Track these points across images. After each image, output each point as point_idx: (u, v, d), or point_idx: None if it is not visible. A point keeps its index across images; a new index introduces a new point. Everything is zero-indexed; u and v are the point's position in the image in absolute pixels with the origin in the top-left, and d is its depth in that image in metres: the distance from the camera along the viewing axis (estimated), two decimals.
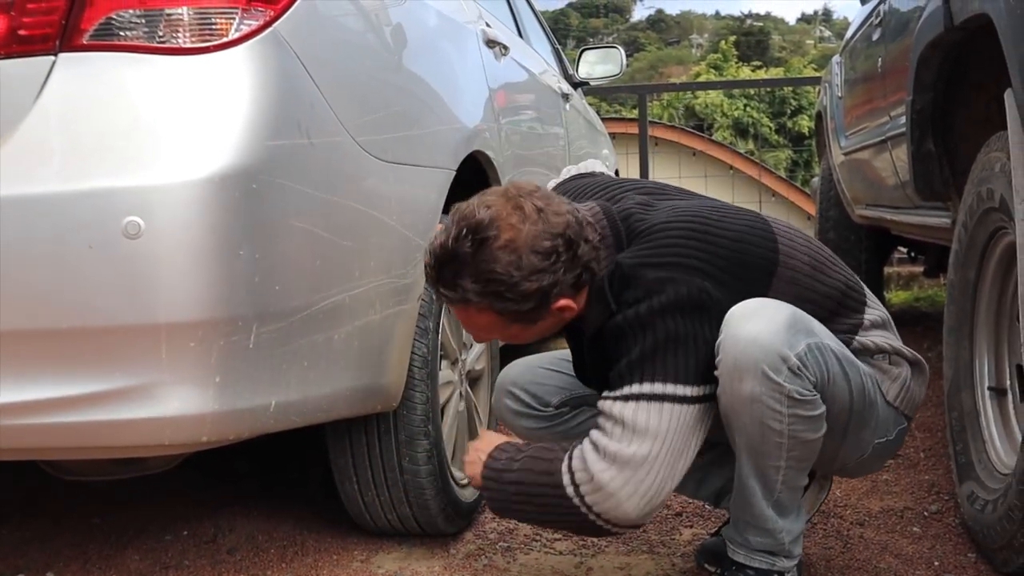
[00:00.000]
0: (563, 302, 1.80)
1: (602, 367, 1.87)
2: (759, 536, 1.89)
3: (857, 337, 1.91)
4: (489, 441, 1.94)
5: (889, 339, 1.95)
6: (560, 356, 2.19)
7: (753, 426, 1.77)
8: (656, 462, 1.74)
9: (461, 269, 1.74)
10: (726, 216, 1.88)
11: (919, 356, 1.99)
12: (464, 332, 2.52)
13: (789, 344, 1.73)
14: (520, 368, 2.19)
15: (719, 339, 1.75)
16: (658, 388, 1.74)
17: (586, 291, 1.83)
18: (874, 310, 1.97)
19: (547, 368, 2.17)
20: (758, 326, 1.73)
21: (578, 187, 2.06)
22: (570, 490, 1.76)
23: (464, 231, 1.72)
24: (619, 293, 1.80)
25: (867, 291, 2.00)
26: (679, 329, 1.75)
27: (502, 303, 1.76)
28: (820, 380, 1.77)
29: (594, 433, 1.78)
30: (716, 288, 1.77)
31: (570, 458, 1.78)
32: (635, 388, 1.75)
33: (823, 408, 1.78)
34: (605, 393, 1.80)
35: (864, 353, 1.91)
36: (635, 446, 1.73)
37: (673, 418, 1.74)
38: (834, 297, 1.91)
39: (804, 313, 1.81)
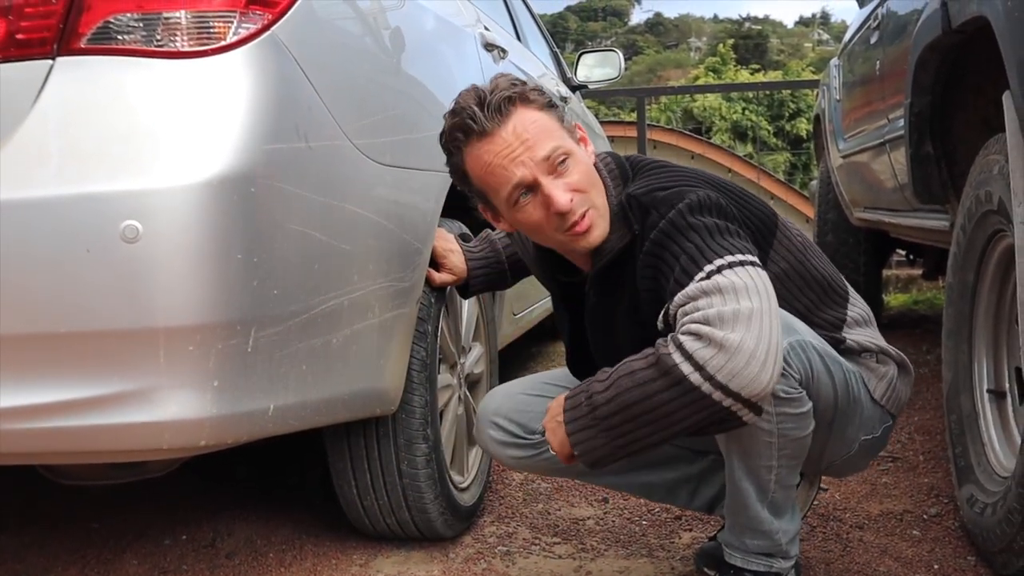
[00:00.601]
0: (582, 130, 1.92)
1: (607, 306, 1.87)
2: (755, 538, 1.89)
3: (844, 334, 1.93)
4: (556, 405, 1.78)
5: (874, 338, 1.97)
6: (542, 380, 2.15)
7: (742, 428, 1.77)
8: (766, 315, 1.61)
9: (496, 85, 1.82)
10: (734, 187, 1.93)
11: (904, 356, 2.01)
12: (463, 335, 2.51)
13: None
14: (501, 397, 2.13)
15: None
16: (735, 258, 1.66)
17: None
18: (856, 307, 1.99)
19: (529, 394, 2.10)
20: None
21: None
22: (694, 377, 1.58)
23: (469, 88, 1.85)
24: (642, 218, 1.79)
25: (850, 288, 2.01)
26: (716, 222, 1.72)
27: (537, 96, 1.83)
28: (804, 377, 1.77)
29: (690, 320, 1.61)
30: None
31: (677, 346, 1.60)
32: (711, 266, 1.65)
33: (810, 405, 1.79)
34: (680, 294, 1.66)
35: (851, 352, 1.93)
36: (745, 301, 1.60)
37: (759, 276, 1.65)
38: (821, 282, 1.93)
39: (785, 312, 1.81)
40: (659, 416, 1.62)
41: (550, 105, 1.85)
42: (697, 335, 1.59)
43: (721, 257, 1.65)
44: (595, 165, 1.88)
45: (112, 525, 2.55)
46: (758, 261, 1.68)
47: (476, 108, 1.79)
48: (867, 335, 1.96)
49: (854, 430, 1.93)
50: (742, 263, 1.65)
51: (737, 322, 1.58)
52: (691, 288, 1.64)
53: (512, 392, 2.13)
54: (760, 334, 1.58)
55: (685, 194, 1.76)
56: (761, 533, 1.88)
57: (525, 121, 1.80)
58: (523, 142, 1.79)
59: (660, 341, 1.64)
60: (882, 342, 1.97)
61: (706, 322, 1.59)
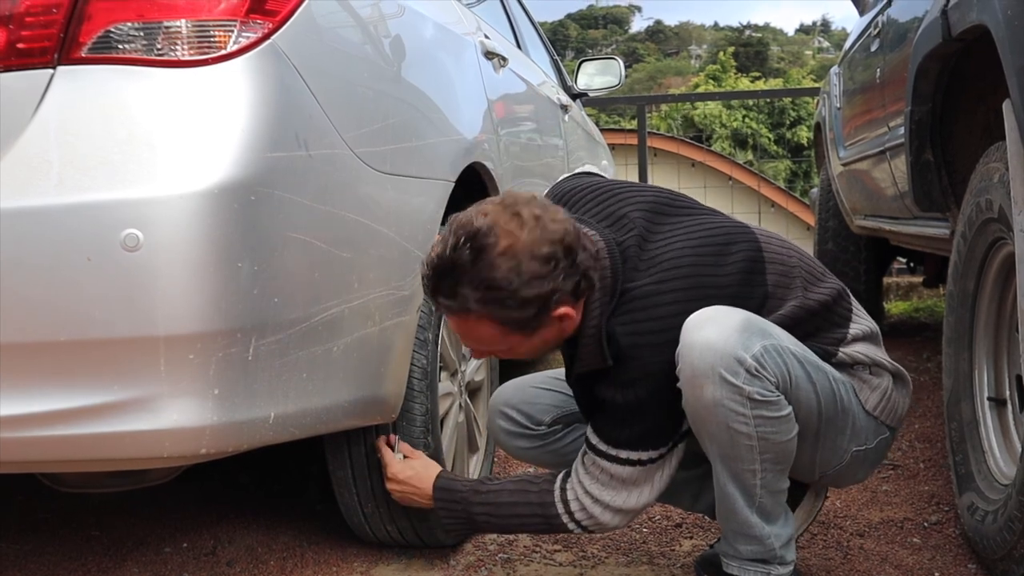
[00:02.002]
0: (563, 310, 1.79)
1: (589, 401, 1.94)
2: (748, 544, 1.90)
3: (840, 348, 1.93)
4: (412, 480, 2.09)
5: (870, 351, 1.95)
6: (552, 375, 2.20)
7: (721, 431, 1.79)
8: (650, 501, 1.96)
9: (461, 277, 1.73)
10: (721, 262, 1.87)
11: (901, 368, 2.00)
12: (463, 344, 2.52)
13: (744, 346, 1.75)
14: (512, 389, 2.21)
15: (677, 349, 1.78)
16: (649, 454, 1.90)
17: (583, 303, 1.84)
18: (859, 323, 1.97)
19: (538, 387, 2.19)
20: (711, 332, 1.75)
21: (575, 190, 2.03)
22: (570, 525, 1.98)
23: (462, 239, 1.72)
24: (615, 358, 1.84)
25: (855, 303, 2.00)
26: (667, 408, 1.84)
27: (503, 311, 1.76)
28: (781, 381, 1.78)
29: (592, 485, 1.94)
30: None
31: (567, 505, 1.97)
32: (630, 455, 1.90)
33: (789, 409, 1.80)
34: (597, 442, 1.92)
35: (843, 365, 1.93)
36: (635, 498, 1.93)
37: (664, 468, 1.93)
38: (821, 311, 1.92)
39: (760, 318, 1.83)
40: (520, 526, 2.08)
41: (506, 321, 1.79)
42: (583, 508, 1.95)
43: (642, 451, 1.89)
44: (583, 302, 1.83)
45: (113, 533, 2.55)
46: (672, 447, 1.91)
47: (428, 293, 1.84)
48: (863, 349, 1.95)
49: (844, 440, 1.93)
50: (651, 461, 1.90)
51: (619, 513, 1.95)
52: (598, 458, 1.92)
53: (522, 385, 2.21)
54: (621, 519, 1.97)
55: (658, 373, 1.82)
56: (753, 538, 1.89)
57: (464, 326, 1.85)
58: (463, 335, 1.92)
59: (554, 495, 1.98)
60: (877, 354, 1.96)
61: (595, 502, 1.94)
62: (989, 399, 2.33)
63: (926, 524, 2.50)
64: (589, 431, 1.94)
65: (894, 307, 6.21)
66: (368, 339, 1.95)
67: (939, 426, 3.28)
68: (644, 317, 1.83)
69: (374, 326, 1.96)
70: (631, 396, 1.84)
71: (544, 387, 2.18)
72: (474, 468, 2.59)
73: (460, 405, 2.50)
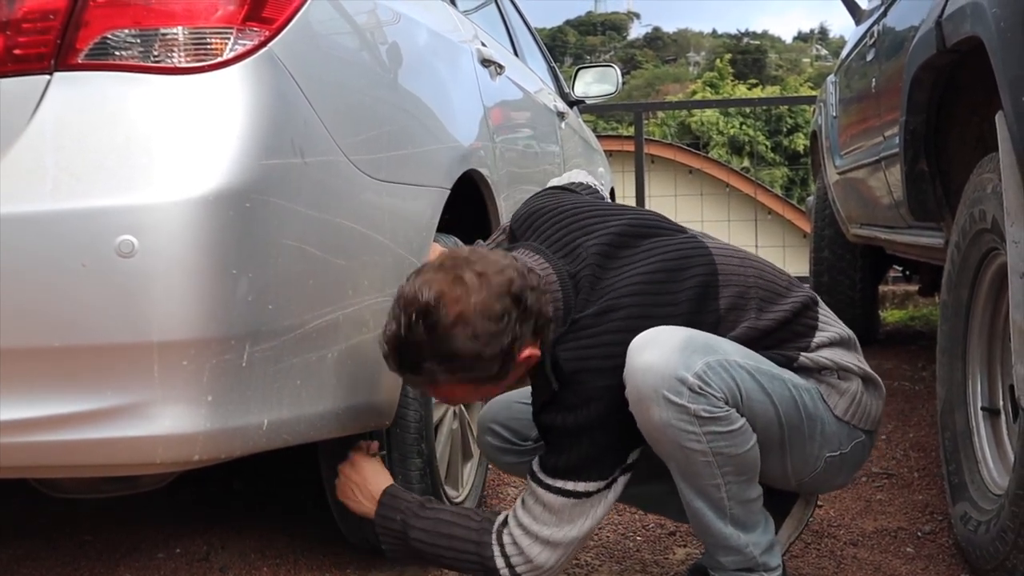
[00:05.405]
0: (526, 352, 1.83)
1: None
2: (728, 555, 1.90)
3: (803, 355, 1.92)
4: (367, 476, 2.05)
5: (836, 356, 1.94)
6: None
7: (675, 451, 1.80)
8: (584, 535, 1.91)
9: (422, 354, 1.78)
10: (672, 288, 1.88)
11: (871, 371, 1.99)
12: None
13: (685, 365, 1.75)
14: (499, 405, 2.22)
15: (623, 373, 1.80)
16: (589, 487, 1.87)
17: (542, 337, 1.86)
18: (827, 331, 1.96)
19: (524, 403, 2.17)
20: (651, 354, 1.76)
21: (541, 212, 2.07)
22: (502, 566, 1.91)
23: (414, 316, 1.76)
24: (561, 383, 1.86)
25: (822, 313, 1.99)
26: (609, 437, 1.84)
27: (470, 373, 1.81)
28: (730, 395, 1.78)
29: (524, 517, 1.91)
30: None
31: (500, 540, 1.92)
32: (565, 484, 1.87)
33: (742, 422, 1.80)
34: (538, 470, 1.91)
35: (808, 371, 1.92)
36: (565, 530, 1.88)
37: (600, 504, 1.89)
38: (776, 331, 1.92)
39: (705, 333, 1.83)
40: (451, 565, 2.00)
41: (475, 379, 1.85)
42: (516, 544, 1.90)
43: (581, 482, 1.86)
44: (542, 316, 1.84)
45: (106, 538, 2.55)
46: (612, 482, 1.88)
47: (393, 370, 1.87)
48: (829, 354, 1.94)
49: (815, 447, 1.92)
50: (588, 494, 1.87)
51: (550, 546, 1.89)
52: (539, 489, 1.89)
53: (509, 401, 2.21)
54: (566, 553, 1.91)
55: (603, 399, 1.82)
56: (731, 549, 1.89)
57: (435, 390, 1.92)
58: (436, 396, 2.03)
59: (492, 532, 1.93)
60: (843, 359, 1.95)
61: (528, 536, 1.89)
62: (983, 409, 2.33)
63: (919, 534, 2.51)
64: (533, 462, 1.94)
65: (890, 315, 6.21)
66: (362, 346, 1.95)
67: (933, 435, 3.29)
68: (589, 344, 1.84)
69: (368, 333, 1.96)
70: (571, 421, 1.84)
71: (529, 403, 2.18)
72: (468, 475, 2.59)
73: (454, 412, 2.50)
